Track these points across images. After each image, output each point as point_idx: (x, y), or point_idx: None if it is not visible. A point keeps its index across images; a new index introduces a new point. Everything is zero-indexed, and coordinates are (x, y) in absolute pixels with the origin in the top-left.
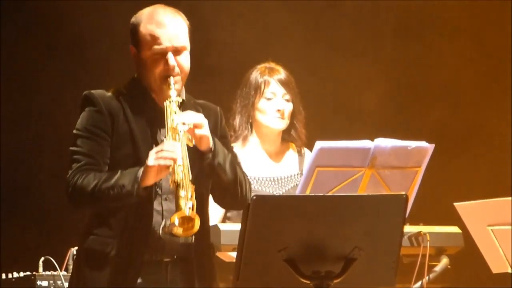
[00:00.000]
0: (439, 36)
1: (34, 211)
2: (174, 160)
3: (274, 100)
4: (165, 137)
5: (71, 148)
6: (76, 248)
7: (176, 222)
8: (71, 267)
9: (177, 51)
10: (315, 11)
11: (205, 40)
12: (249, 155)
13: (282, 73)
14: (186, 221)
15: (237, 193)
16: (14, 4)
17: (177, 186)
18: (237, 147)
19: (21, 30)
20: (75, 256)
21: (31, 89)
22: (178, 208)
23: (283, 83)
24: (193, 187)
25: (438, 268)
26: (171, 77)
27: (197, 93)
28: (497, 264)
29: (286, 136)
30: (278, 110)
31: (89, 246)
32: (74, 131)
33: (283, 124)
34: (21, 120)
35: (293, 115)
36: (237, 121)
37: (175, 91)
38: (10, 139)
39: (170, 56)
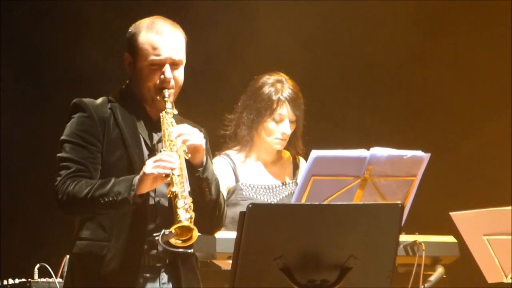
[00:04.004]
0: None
1: (29, 218)
2: (172, 169)
3: (281, 124)
4: (162, 148)
5: (59, 154)
6: None
7: (174, 232)
8: None
9: (174, 64)
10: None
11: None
12: (245, 163)
13: (293, 91)
14: (185, 231)
15: (214, 215)
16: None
17: (175, 196)
18: (233, 153)
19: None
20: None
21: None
22: (176, 218)
23: (293, 104)
24: (191, 199)
25: (433, 277)
26: (166, 90)
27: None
28: (493, 273)
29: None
30: (283, 134)
31: (83, 251)
32: (63, 137)
33: (283, 145)
34: (20, 127)
35: (293, 131)
36: (243, 132)
37: (170, 103)
38: (9, 145)
39: (167, 68)
